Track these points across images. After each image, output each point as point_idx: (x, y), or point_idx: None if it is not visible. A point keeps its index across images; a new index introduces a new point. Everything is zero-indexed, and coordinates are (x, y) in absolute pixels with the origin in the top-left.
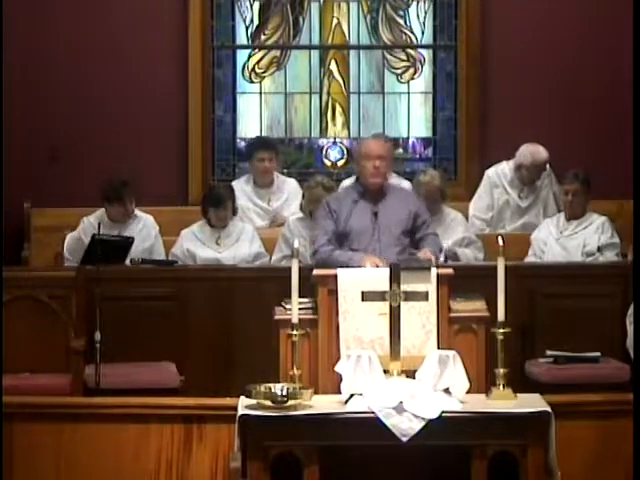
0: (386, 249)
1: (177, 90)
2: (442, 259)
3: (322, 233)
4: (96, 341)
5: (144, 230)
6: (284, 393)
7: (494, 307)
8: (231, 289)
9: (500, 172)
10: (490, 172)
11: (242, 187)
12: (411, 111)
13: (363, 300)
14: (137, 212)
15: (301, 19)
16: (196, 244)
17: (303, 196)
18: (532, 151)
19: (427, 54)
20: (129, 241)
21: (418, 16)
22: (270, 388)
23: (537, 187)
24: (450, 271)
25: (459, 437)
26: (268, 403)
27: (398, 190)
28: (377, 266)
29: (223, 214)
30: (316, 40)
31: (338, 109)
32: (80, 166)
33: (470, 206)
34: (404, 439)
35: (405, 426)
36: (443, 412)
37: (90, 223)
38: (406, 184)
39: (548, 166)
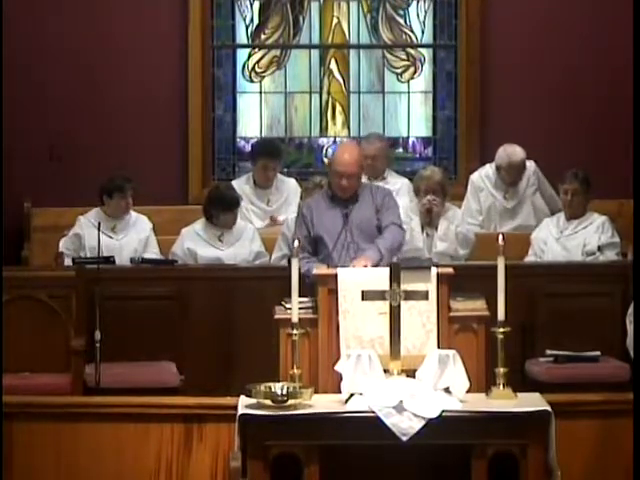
0: (361, 249)
1: (177, 90)
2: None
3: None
4: (96, 341)
5: (138, 224)
6: (284, 392)
7: (494, 307)
8: (231, 289)
9: (483, 176)
10: (474, 177)
11: (241, 187)
12: (411, 110)
13: (363, 299)
14: (131, 211)
15: (301, 18)
16: (198, 243)
17: (302, 196)
18: (509, 152)
19: (427, 53)
20: (110, 260)
21: (418, 15)
22: (270, 387)
23: (521, 187)
24: (450, 270)
25: (459, 437)
26: (268, 402)
27: (370, 187)
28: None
29: (234, 217)
30: (316, 39)
31: (338, 108)
32: (80, 166)
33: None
34: (404, 438)
35: (405, 425)
36: (443, 411)
37: (88, 220)
38: (405, 182)
39: (534, 164)
